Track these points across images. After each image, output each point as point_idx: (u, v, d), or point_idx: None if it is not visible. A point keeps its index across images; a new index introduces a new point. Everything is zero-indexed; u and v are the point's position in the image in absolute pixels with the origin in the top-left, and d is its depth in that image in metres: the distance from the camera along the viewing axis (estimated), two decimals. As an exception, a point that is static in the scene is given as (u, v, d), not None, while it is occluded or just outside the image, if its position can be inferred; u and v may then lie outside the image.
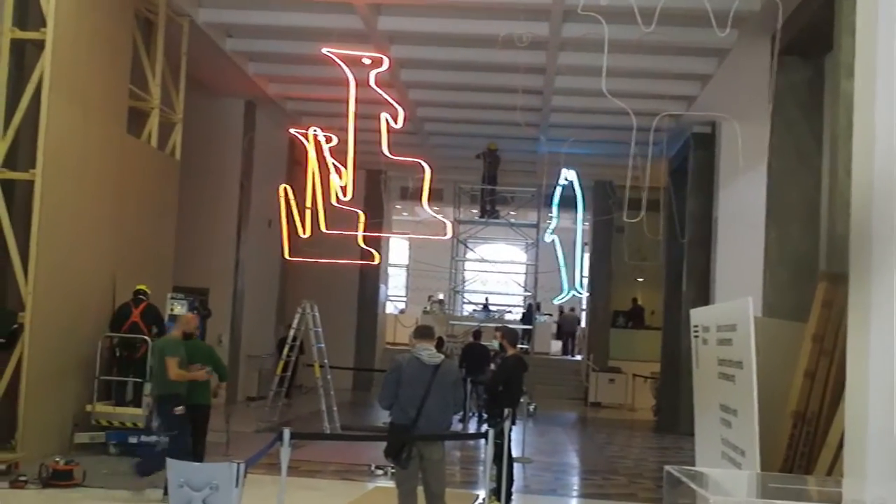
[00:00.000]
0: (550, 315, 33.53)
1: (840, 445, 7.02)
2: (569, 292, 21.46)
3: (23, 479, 9.96)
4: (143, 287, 13.19)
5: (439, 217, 20.01)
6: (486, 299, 31.55)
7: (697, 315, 9.09)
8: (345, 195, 16.02)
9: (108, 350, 13.07)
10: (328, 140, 16.20)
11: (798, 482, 4.44)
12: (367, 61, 14.02)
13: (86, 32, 12.51)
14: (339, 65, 13.99)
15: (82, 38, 12.41)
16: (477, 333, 20.99)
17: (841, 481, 6.12)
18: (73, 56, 12.17)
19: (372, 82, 14.21)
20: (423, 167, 15.95)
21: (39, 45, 11.71)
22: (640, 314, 29.49)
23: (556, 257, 19.92)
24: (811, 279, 10.04)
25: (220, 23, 15.98)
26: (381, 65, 14.22)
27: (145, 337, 12.69)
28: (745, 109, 14.85)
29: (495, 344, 12.73)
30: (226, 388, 12.31)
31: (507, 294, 31.14)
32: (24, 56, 11.98)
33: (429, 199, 17.19)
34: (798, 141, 12.08)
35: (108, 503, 9.70)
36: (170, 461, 5.08)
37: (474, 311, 27.13)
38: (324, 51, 13.84)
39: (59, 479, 10.07)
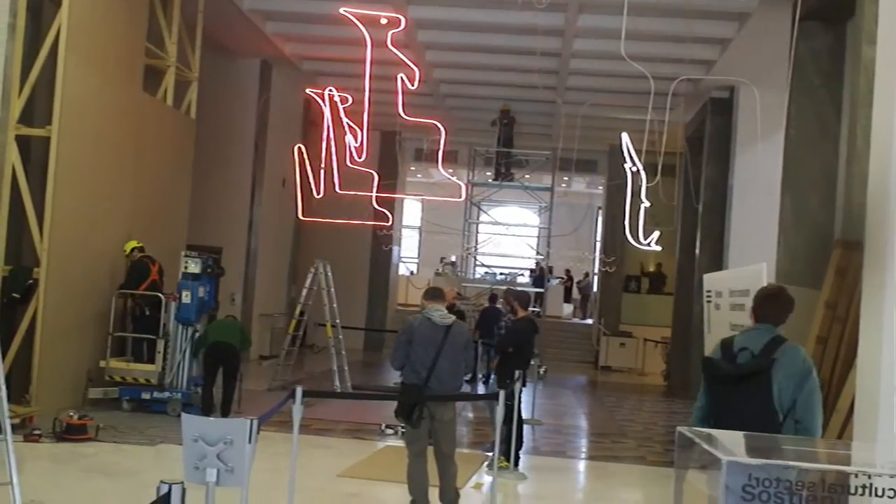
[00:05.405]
0: (561, 278, 33.42)
1: (850, 410, 7.04)
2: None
3: (37, 432, 10.07)
4: (139, 244, 13.04)
5: (453, 179, 19.99)
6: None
7: (711, 280, 9.11)
8: (359, 156, 16.03)
9: (133, 307, 13.16)
10: (343, 101, 16.16)
11: (808, 445, 4.46)
12: (384, 21, 13.98)
13: (102, -11, 12.47)
14: (356, 25, 13.93)
15: (99, -6, 12.37)
16: (493, 297, 20.95)
17: (851, 445, 6.15)
18: (90, 13, 12.14)
19: (389, 43, 14.14)
20: (438, 128, 15.96)
21: (57, 1, 11.68)
22: (663, 280, 29.36)
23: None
24: (825, 246, 10.01)
25: (236, -19, 15.89)
26: (398, 25, 14.15)
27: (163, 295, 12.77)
28: (764, 75, 14.71)
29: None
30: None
31: (519, 257, 30.76)
32: (41, 13, 11.96)
33: (443, 162, 17.19)
34: (817, 108, 11.97)
35: (120, 457, 9.81)
36: (184, 416, 5.12)
37: (486, 273, 27.04)
38: (341, 10, 13.74)
39: (72, 433, 10.19)
